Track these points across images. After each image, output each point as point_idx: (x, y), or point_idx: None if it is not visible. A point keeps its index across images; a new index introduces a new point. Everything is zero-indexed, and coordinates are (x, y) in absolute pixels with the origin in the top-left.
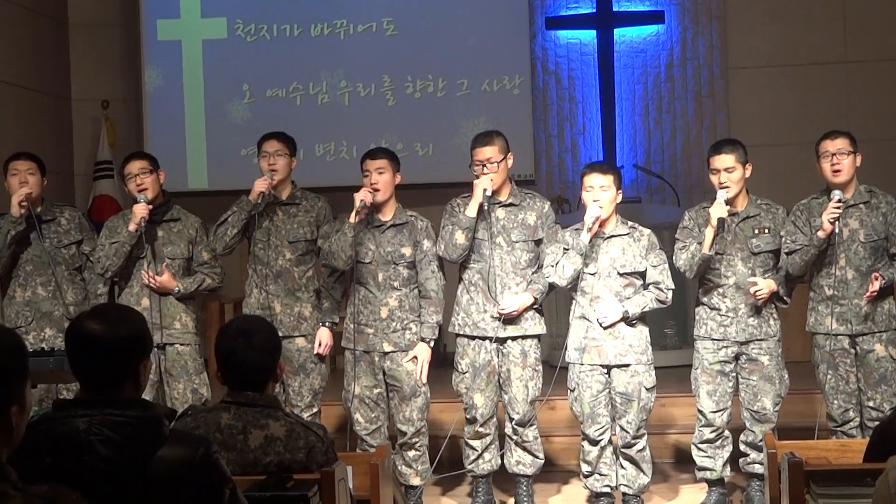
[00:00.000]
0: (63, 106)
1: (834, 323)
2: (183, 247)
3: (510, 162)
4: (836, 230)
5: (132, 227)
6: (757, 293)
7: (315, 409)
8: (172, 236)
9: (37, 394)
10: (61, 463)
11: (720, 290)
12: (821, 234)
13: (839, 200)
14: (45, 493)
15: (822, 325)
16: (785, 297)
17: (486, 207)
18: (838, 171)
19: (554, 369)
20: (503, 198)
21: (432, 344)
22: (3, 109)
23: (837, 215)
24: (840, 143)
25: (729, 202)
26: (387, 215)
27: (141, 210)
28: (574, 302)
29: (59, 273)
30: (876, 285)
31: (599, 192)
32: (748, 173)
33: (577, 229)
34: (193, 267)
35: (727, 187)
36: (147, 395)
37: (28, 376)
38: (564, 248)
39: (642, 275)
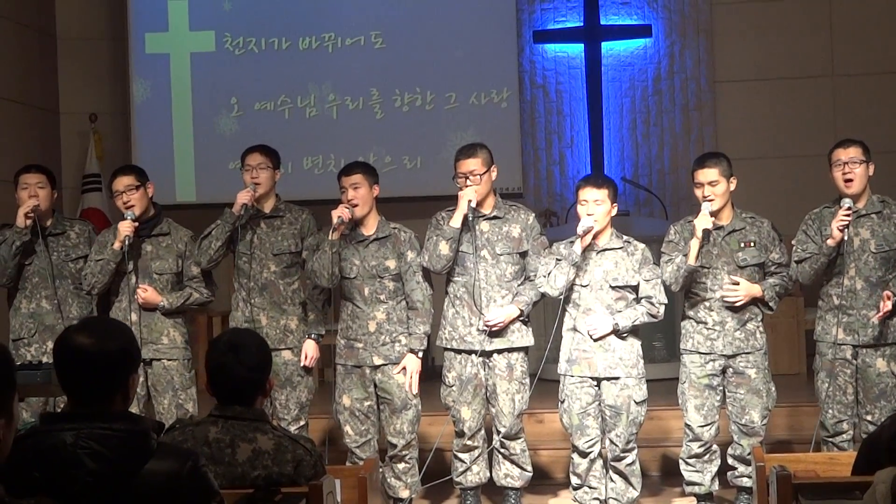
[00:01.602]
0: (51, 119)
1: (840, 332)
2: (171, 261)
3: (494, 174)
4: (846, 238)
5: (116, 244)
6: (729, 296)
7: (302, 423)
8: (161, 251)
9: (34, 406)
10: (49, 476)
11: (706, 304)
12: (830, 242)
13: (849, 208)
14: None
15: (829, 335)
16: (770, 303)
17: (470, 219)
18: (850, 180)
19: (544, 381)
20: (487, 210)
21: (421, 354)
22: None
23: (847, 223)
24: (852, 152)
25: (714, 215)
26: (370, 229)
27: (126, 228)
28: (566, 313)
29: (64, 287)
30: (888, 305)
31: (594, 206)
32: (733, 186)
33: (570, 241)
34: (183, 281)
35: (711, 200)
36: (134, 410)
37: (15, 389)
38: (557, 259)
39: (635, 288)
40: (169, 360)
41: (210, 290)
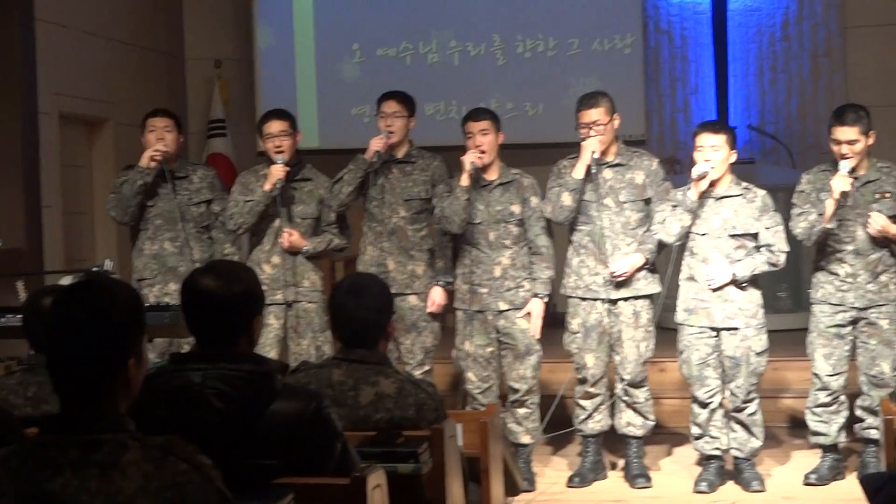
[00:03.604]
0: (177, 65)
1: None
2: (313, 207)
3: (616, 123)
4: None
5: (267, 187)
6: (871, 224)
7: (426, 368)
8: (304, 196)
9: (159, 346)
10: (177, 415)
11: (839, 256)
12: None
13: None
14: (162, 444)
15: None
16: None
17: (593, 169)
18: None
19: (664, 330)
20: (610, 158)
21: (546, 299)
22: (120, 69)
23: None
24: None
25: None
26: (492, 175)
27: (278, 172)
28: (683, 262)
29: (187, 230)
30: None
31: (710, 152)
32: (871, 141)
33: (687, 187)
34: (322, 226)
35: (849, 158)
36: (273, 351)
37: (144, 330)
38: (673, 206)
39: (754, 237)
40: (309, 302)
41: (346, 235)
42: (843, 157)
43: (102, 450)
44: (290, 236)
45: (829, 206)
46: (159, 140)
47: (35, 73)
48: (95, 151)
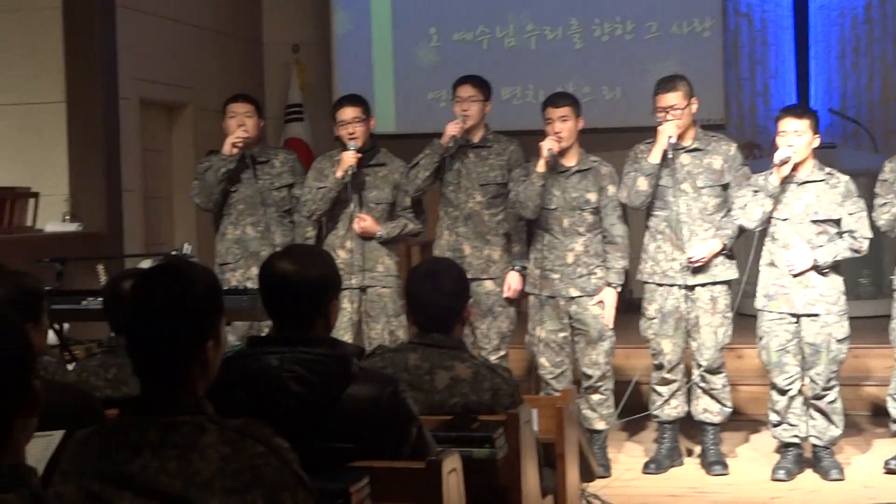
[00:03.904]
0: (255, 50)
1: None
2: (388, 192)
3: (694, 107)
4: None
5: (339, 174)
6: None
7: (502, 353)
8: (378, 181)
9: (239, 330)
10: (254, 398)
11: None
12: None
13: None
14: (240, 427)
15: None
16: None
17: (669, 154)
18: None
19: (742, 316)
20: (688, 143)
21: (619, 289)
22: (203, 54)
23: None
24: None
25: None
26: (571, 161)
27: (349, 158)
28: (764, 247)
29: (269, 214)
30: None
31: (793, 137)
32: None
33: (769, 172)
34: (397, 211)
35: None
36: (347, 336)
37: (223, 313)
38: (754, 191)
39: (837, 222)
40: (383, 287)
41: (421, 220)
42: None
43: (181, 432)
44: (363, 221)
45: None
46: (240, 126)
47: (116, 58)
48: (175, 136)
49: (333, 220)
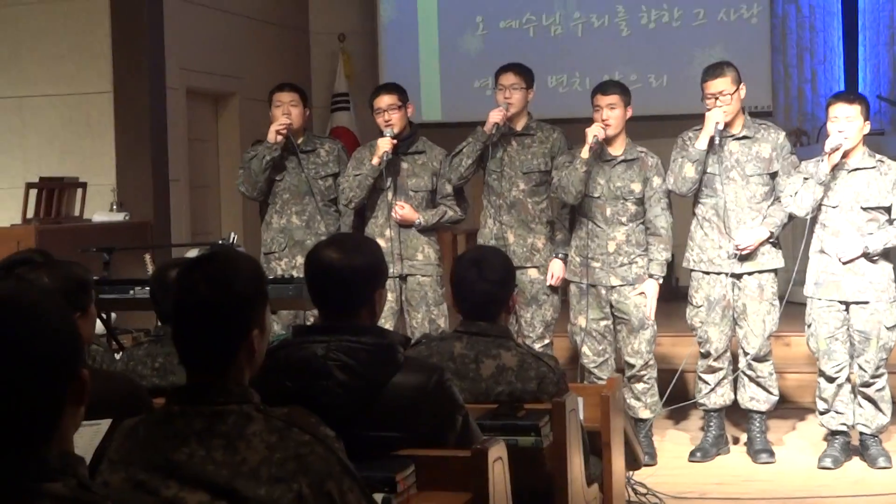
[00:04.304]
0: (301, 39)
1: None
2: (427, 179)
3: (742, 93)
4: None
5: (375, 160)
6: None
7: (547, 341)
8: (417, 168)
9: (284, 319)
10: (300, 386)
11: None
12: None
13: None
14: (285, 416)
15: None
16: None
17: (717, 141)
18: None
19: (791, 304)
20: (736, 130)
21: (661, 281)
22: (250, 44)
23: None
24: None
25: None
26: (617, 150)
27: (384, 144)
28: (814, 235)
29: (314, 203)
30: None
31: (845, 123)
32: None
33: (819, 159)
34: (437, 199)
35: None
36: (388, 324)
37: (267, 301)
38: (805, 178)
39: (887, 210)
40: (423, 276)
41: (462, 207)
42: None
43: (227, 421)
44: (402, 209)
45: None
46: (285, 115)
47: (163, 48)
48: (221, 126)
49: (372, 208)
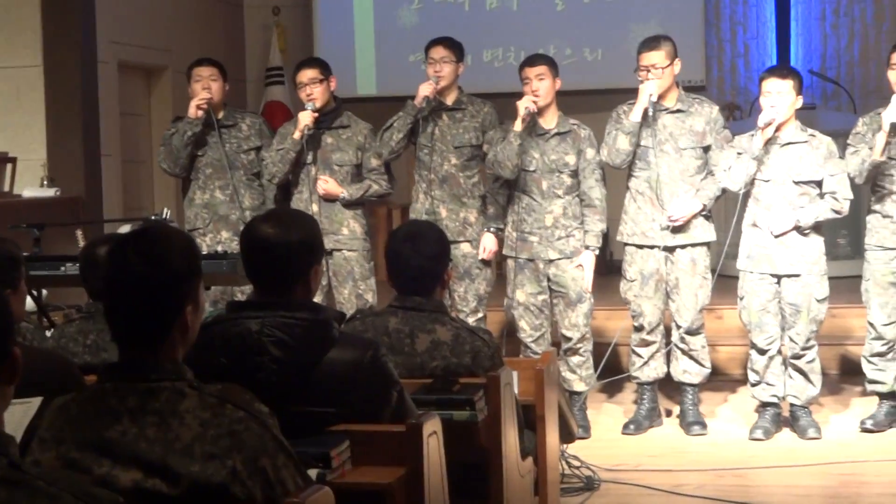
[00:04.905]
0: (235, 13)
1: None
2: (351, 153)
3: (677, 67)
4: None
5: (296, 134)
6: None
7: (480, 315)
8: (341, 143)
9: (212, 296)
10: (235, 363)
11: (893, 198)
12: None
13: None
14: (219, 392)
15: None
16: None
17: (651, 113)
18: None
19: (723, 277)
20: (670, 104)
21: (597, 252)
22: (182, 17)
23: None
24: None
25: None
26: (549, 123)
27: (305, 118)
28: (747, 209)
29: (237, 178)
30: None
31: (777, 98)
32: None
33: (752, 134)
34: (363, 173)
35: None
36: (316, 299)
37: (201, 277)
38: (738, 153)
39: (819, 184)
40: (349, 250)
41: (388, 181)
42: None
43: (160, 398)
44: (326, 184)
45: (880, 138)
46: (205, 89)
47: (94, 21)
48: (154, 100)
49: (296, 183)
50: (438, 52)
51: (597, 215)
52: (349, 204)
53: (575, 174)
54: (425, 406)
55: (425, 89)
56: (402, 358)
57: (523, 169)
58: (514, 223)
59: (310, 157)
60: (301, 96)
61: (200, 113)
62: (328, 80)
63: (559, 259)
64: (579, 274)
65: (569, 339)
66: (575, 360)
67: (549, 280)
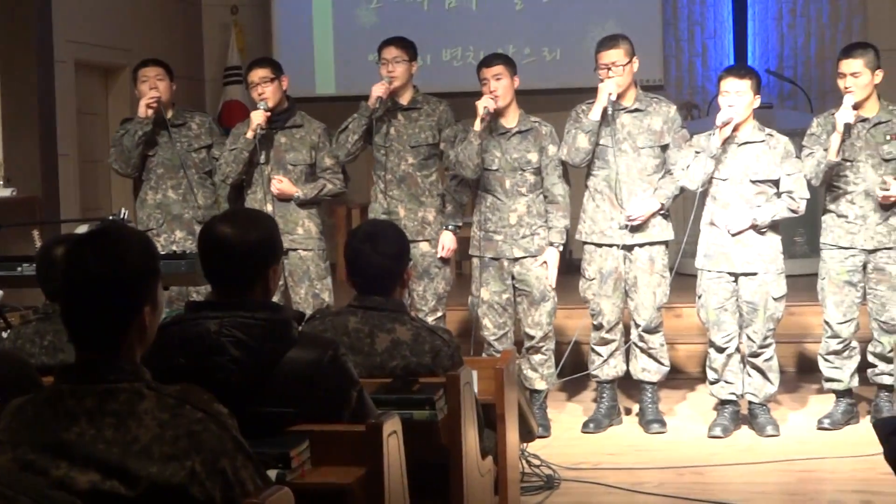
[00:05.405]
0: (193, 12)
1: None
2: (305, 153)
3: (635, 66)
4: None
5: (249, 133)
6: (886, 197)
7: (439, 314)
8: (294, 143)
9: (167, 296)
10: (193, 363)
11: (848, 197)
12: None
13: None
14: (178, 393)
15: None
16: None
17: (610, 112)
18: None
19: (682, 276)
20: (628, 103)
21: (561, 248)
22: (140, 16)
23: None
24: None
25: (858, 107)
26: (510, 121)
27: (258, 117)
28: (704, 208)
29: (188, 177)
30: None
31: (735, 97)
32: (878, 79)
33: (710, 133)
34: (317, 173)
35: (853, 92)
36: (273, 299)
37: (159, 277)
38: (696, 152)
39: (776, 183)
40: (304, 250)
41: (343, 180)
42: (847, 90)
43: (118, 399)
44: (280, 183)
45: (834, 139)
46: (152, 89)
47: (50, 21)
48: (112, 99)
49: (250, 182)
50: (391, 52)
51: (560, 211)
52: (304, 203)
53: (538, 171)
54: (385, 406)
55: (378, 90)
56: (361, 357)
57: (486, 168)
58: (478, 222)
59: (263, 157)
60: (253, 96)
61: (150, 112)
62: (280, 80)
63: (524, 257)
64: (543, 273)
65: (532, 338)
66: (537, 358)
67: (513, 278)
